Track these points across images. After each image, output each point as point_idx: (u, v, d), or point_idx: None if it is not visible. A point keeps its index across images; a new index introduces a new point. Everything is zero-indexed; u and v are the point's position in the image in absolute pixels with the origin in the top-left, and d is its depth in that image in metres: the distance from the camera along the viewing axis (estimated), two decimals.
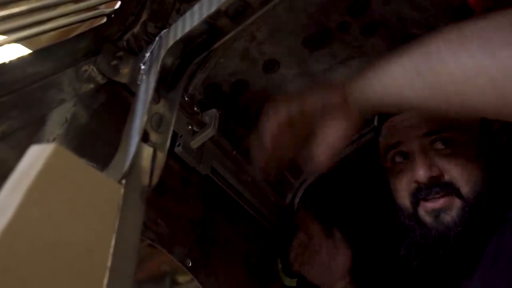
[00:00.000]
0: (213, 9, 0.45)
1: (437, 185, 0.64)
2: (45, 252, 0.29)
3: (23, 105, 0.43)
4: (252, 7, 0.47)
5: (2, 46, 0.41)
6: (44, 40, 0.45)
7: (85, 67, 0.50)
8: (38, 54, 0.44)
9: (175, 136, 0.65)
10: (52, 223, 0.30)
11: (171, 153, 0.64)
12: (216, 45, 0.50)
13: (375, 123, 0.74)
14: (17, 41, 0.41)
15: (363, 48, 0.73)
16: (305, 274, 0.83)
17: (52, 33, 0.50)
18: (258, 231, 0.81)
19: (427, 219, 0.65)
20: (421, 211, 0.66)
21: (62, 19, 0.45)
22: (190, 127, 0.66)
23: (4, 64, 0.41)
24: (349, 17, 0.68)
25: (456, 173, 0.64)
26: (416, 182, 0.66)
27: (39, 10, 0.42)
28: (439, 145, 0.66)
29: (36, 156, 0.31)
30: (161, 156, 0.46)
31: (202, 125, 0.66)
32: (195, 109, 0.65)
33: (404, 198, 0.68)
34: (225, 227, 0.74)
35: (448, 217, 0.63)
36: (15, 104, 0.43)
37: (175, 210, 0.65)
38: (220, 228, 0.74)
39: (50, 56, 0.46)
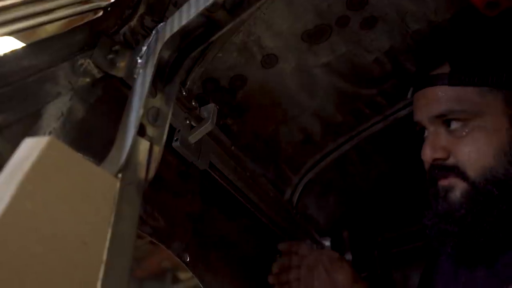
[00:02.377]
0: (210, 1, 0.45)
1: (441, 167, 0.66)
2: (39, 244, 0.29)
3: (19, 98, 0.43)
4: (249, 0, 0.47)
5: None
6: (38, 34, 0.45)
7: (81, 61, 0.50)
8: (33, 47, 0.44)
9: (173, 130, 0.65)
10: (46, 216, 0.30)
11: (169, 147, 0.64)
12: (213, 38, 0.50)
13: (409, 95, 0.74)
14: (10, 34, 0.41)
15: (362, 43, 0.72)
16: None
17: (49, 27, 0.50)
18: (256, 226, 0.81)
19: (439, 195, 0.66)
20: (438, 186, 0.67)
21: (57, 12, 0.45)
22: (188, 121, 0.65)
23: None
24: (348, 11, 0.68)
25: (462, 156, 0.64)
26: (427, 162, 0.68)
27: (34, 2, 0.41)
28: (453, 125, 0.65)
29: (30, 149, 0.31)
30: (158, 150, 0.46)
31: (200, 120, 0.66)
32: (193, 103, 0.64)
33: (426, 172, 0.70)
34: (223, 222, 0.73)
35: (453, 196, 0.64)
36: (11, 97, 0.42)
37: (173, 204, 0.65)
38: (218, 223, 0.73)
39: (45, 49, 0.45)
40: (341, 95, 0.81)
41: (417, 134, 0.73)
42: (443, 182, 0.66)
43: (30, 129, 0.44)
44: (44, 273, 0.29)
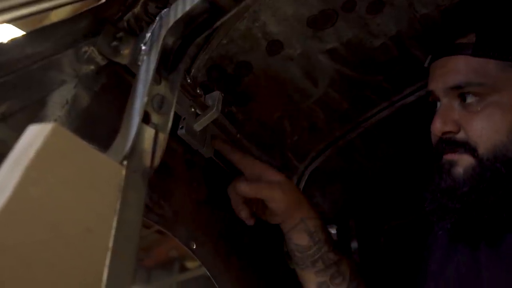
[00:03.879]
0: None
1: (450, 142, 0.64)
2: (44, 231, 0.29)
3: (23, 86, 0.43)
4: None
5: None
6: (39, 22, 0.45)
7: (85, 48, 0.49)
8: (37, 34, 0.44)
9: (178, 118, 0.65)
10: (51, 203, 0.30)
11: (174, 135, 0.64)
12: (217, 24, 0.49)
13: (426, 64, 0.72)
14: (10, 21, 0.40)
15: (368, 28, 0.71)
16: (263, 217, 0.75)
17: (52, 15, 0.49)
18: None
19: (444, 169, 0.65)
20: (443, 160, 0.65)
21: None
22: (193, 109, 0.65)
23: (1, 44, 0.41)
24: None
25: (473, 132, 0.62)
26: (435, 135, 0.67)
27: None
28: (469, 99, 0.63)
29: (34, 136, 0.31)
30: (163, 138, 0.46)
31: (205, 108, 0.66)
32: (198, 91, 0.64)
33: (433, 146, 0.69)
34: (229, 211, 0.73)
35: (457, 172, 0.63)
36: (15, 85, 0.42)
37: (179, 192, 0.65)
38: (224, 211, 0.73)
39: (49, 36, 0.45)
40: (347, 81, 0.80)
41: (424, 120, 0.72)
42: (449, 156, 0.64)
43: (35, 117, 0.44)
44: (49, 260, 0.29)
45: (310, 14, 0.67)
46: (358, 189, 1.07)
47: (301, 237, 0.73)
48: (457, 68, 0.64)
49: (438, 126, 0.64)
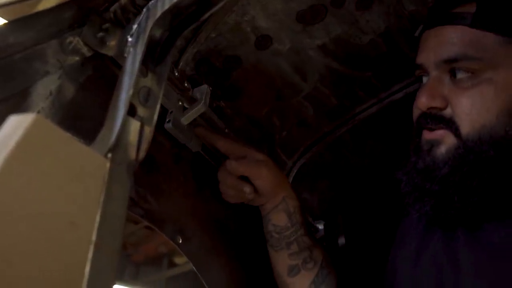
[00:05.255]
0: None
1: (435, 117, 0.60)
2: (25, 223, 0.28)
3: (6, 76, 0.42)
4: None
5: None
6: (22, 11, 0.44)
7: (70, 39, 0.48)
8: (19, 23, 0.43)
9: (165, 112, 0.64)
10: (33, 195, 0.29)
11: (161, 129, 0.63)
12: (205, 16, 0.49)
13: (417, 33, 0.68)
14: None
15: (357, 24, 0.71)
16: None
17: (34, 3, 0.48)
18: (250, 209, 0.81)
19: (423, 149, 0.62)
20: (422, 140, 0.63)
21: None
22: (180, 103, 0.65)
23: None
24: None
25: (460, 109, 0.58)
26: (420, 108, 0.62)
27: None
28: (460, 75, 0.59)
29: (15, 127, 0.30)
30: (149, 131, 0.45)
31: (193, 101, 0.65)
32: (186, 85, 0.63)
33: (414, 121, 0.65)
34: (216, 206, 0.73)
35: (438, 152, 0.60)
36: None
37: (166, 187, 0.64)
38: (211, 206, 0.73)
39: (32, 26, 0.44)
40: (336, 77, 0.80)
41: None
42: (430, 136, 0.61)
43: (18, 108, 0.43)
44: (30, 253, 0.28)
45: (300, 9, 0.67)
46: (346, 185, 1.07)
47: (280, 218, 0.73)
48: (452, 40, 0.59)
49: (424, 101, 0.60)
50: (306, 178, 0.98)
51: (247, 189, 0.71)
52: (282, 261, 0.75)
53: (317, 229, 1.04)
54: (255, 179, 0.71)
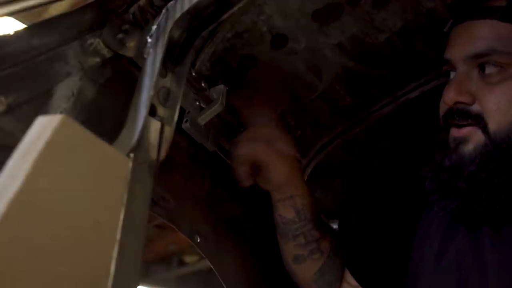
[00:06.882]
0: None
1: (462, 113, 0.60)
2: (53, 222, 0.29)
3: (29, 78, 0.43)
4: None
5: None
6: (40, 15, 0.44)
7: (90, 40, 0.49)
8: (42, 26, 0.44)
9: (182, 112, 0.64)
10: (61, 194, 0.30)
11: (179, 129, 0.64)
12: (224, 17, 0.49)
13: (446, 28, 0.67)
14: (10, 14, 0.40)
15: (373, 22, 0.71)
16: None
17: (53, 8, 0.49)
18: (265, 209, 0.81)
19: (450, 147, 0.61)
20: (450, 137, 0.62)
21: None
22: (197, 103, 0.65)
23: (8, 35, 0.40)
24: None
25: (489, 105, 0.58)
26: (447, 104, 0.62)
27: None
28: (489, 70, 0.59)
29: (43, 127, 0.31)
30: (169, 131, 0.46)
31: (210, 101, 0.65)
32: (203, 84, 0.64)
33: (440, 117, 0.65)
34: (232, 204, 0.73)
35: (466, 149, 0.59)
36: (21, 76, 0.42)
37: (183, 186, 0.65)
38: (228, 205, 0.73)
39: (54, 28, 0.45)
40: (351, 76, 0.80)
41: (427, 116, 0.71)
42: (457, 133, 0.60)
43: (41, 109, 0.44)
44: (59, 251, 0.29)
45: (316, 8, 0.67)
46: (360, 185, 1.07)
47: (287, 211, 0.72)
48: (482, 35, 0.59)
49: (451, 96, 0.60)
50: (320, 177, 0.98)
51: (242, 172, 0.68)
52: (288, 250, 0.75)
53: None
54: (268, 170, 0.69)
